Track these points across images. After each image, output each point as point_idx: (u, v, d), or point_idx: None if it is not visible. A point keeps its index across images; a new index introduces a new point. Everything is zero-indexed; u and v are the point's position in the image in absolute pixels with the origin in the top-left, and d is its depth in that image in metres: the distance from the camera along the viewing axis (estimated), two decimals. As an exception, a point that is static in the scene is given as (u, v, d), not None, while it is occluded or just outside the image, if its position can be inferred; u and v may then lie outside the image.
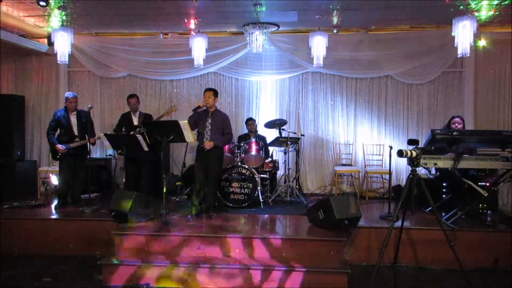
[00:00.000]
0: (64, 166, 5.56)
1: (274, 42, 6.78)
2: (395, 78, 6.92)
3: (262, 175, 5.95)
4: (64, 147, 5.42)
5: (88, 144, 5.54)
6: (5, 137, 6.64)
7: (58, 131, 5.61)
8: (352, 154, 7.00)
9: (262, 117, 6.98)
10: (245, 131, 6.94)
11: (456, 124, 5.27)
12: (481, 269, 4.28)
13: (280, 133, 6.28)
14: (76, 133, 5.57)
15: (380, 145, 6.91)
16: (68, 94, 5.66)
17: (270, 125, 6.37)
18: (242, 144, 5.98)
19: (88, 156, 5.56)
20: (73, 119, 5.60)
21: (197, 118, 5.04)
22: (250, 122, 6.62)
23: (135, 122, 5.92)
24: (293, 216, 5.18)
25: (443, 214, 4.80)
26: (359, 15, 6.07)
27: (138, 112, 6.03)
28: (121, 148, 5.39)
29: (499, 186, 4.77)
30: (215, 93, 5.13)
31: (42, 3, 4.99)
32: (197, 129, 5.06)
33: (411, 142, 4.43)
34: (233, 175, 5.65)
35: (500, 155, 4.44)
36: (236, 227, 4.75)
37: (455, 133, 4.50)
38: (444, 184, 5.40)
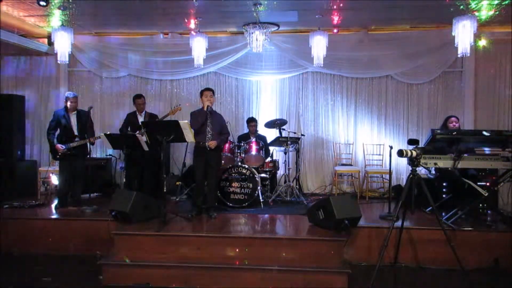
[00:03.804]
0: (64, 166, 5.54)
1: (274, 42, 6.78)
2: (395, 78, 6.93)
3: (262, 175, 5.96)
4: (64, 147, 5.42)
5: (88, 144, 5.55)
6: (5, 137, 6.63)
7: (58, 131, 5.59)
8: (352, 154, 7.00)
9: (262, 117, 6.98)
10: (245, 130, 6.94)
11: (454, 123, 5.29)
12: (481, 269, 4.28)
13: (280, 133, 6.28)
14: (76, 133, 5.54)
15: (380, 145, 6.91)
16: (69, 94, 5.64)
17: (270, 125, 6.37)
18: (242, 144, 5.97)
19: (88, 156, 5.56)
20: (73, 119, 5.57)
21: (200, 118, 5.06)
22: (253, 123, 6.60)
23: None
24: (293, 216, 5.18)
25: (443, 214, 4.80)
26: (359, 15, 6.07)
27: (144, 112, 6.05)
28: (122, 148, 5.40)
29: (499, 186, 4.77)
30: (214, 92, 5.19)
31: (42, 3, 5.00)
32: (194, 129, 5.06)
33: (411, 142, 4.44)
34: (233, 175, 5.65)
35: (500, 155, 4.44)
36: (236, 227, 4.75)
37: (455, 133, 4.50)
38: (444, 184, 5.40)
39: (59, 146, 5.39)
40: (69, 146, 5.43)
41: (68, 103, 5.53)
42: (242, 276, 4.00)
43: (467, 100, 6.72)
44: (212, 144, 4.95)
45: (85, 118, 5.60)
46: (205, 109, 4.98)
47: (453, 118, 5.38)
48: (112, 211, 4.63)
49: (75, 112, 5.60)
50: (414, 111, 6.95)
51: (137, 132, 5.64)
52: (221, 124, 5.19)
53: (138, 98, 6.08)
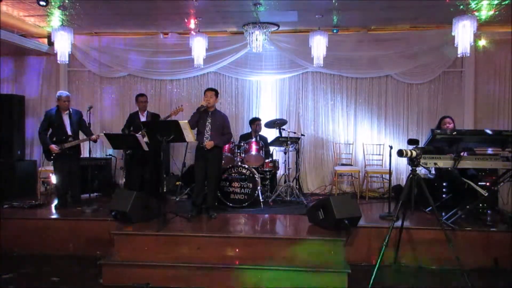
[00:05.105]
0: (59, 167, 5.48)
1: (274, 42, 6.78)
2: (395, 78, 6.93)
3: (262, 175, 5.95)
4: (58, 147, 5.37)
5: (80, 144, 5.55)
6: (5, 137, 6.64)
7: (50, 131, 5.50)
8: (352, 154, 7.00)
9: (262, 117, 6.96)
10: (245, 130, 6.94)
11: (447, 125, 5.28)
12: (481, 269, 4.28)
13: (280, 133, 6.28)
14: (69, 132, 5.49)
15: (380, 145, 6.91)
16: (62, 93, 5.58)
17: (270, 125, 6.37)
18: (242, 144, 5.97)
19: (81, 156, 5.57)
20: (66, 118, 5.51)
21: (198, 118, 5.06)
22: (257, 122, 6.59)
23: None
24: (293, 216, 5.18)
25: (443, 214, 4.80)
26: (359, 15, 6.07)
27: (146, 112, 6.05)
28: (122, 147, 5.40)
29: (499, 185, 4.77)
30: (216, 93, 5.16)
31: (42, 3, 5.00)
32: (196, 129, 5.07)
33: (411, 141, 4.44)
34: (233, 175, 5.65)
35: (500, 155, 4.44)
36: (236, 227, 4.76)
37: (455, 133, 4.49)
38: (444, 184, 5.40)
39: (53, 146, 5.34)
40: (63, 147, 5.38)
41: (61, 103, 5.47)
42: (242, 276, 4.00)
43: (467, 100, 6.72)
44: (208, 144, 4.94)
45: (77, 118, 5.58)
46: (199, 108, 4.98)
47: (447, 119, 5.36)
48: (112, 211, 4.63)
49: (67, 112, 5.54)
50: (414, 111, 6.95)
51: (139, 132, 5.61)
52: (223, 124, 5.16)
53: (140, 97, 6.10)
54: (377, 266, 3.70)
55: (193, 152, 5.54)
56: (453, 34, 5.22)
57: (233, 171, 5.66)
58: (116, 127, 7.14)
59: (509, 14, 5.54)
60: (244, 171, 5.64)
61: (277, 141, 6.14)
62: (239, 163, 5.82)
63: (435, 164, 4.39)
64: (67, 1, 5.34)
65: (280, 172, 6.67)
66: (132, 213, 4.52)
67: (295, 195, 6.08)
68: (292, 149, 6.32)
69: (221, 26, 6.71)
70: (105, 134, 5.26)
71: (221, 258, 4.16)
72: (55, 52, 5.89)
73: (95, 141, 5.63)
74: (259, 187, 5.62)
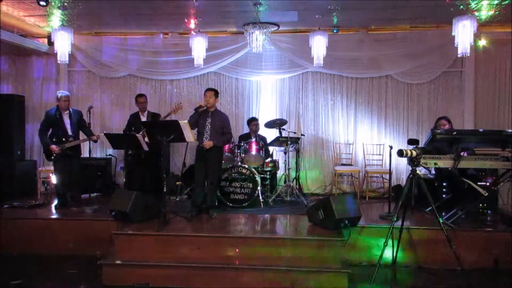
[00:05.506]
0: (59, 167, 5.45)
1: (274, 42, 6.78)
2: (395, 78, 6.92)
3: (262, 175, 5.95)
4: (58, 148, 5.35)
5: (81, 144, 5.54)
6: (5, 137, 6.63)
7: (50, 131, 5.47)
8: (352, 154, 7.00)
9: (262, 117, 6.96)
10: (245, 130, 6.93)
11: (443, 126, 5.27)
12: (481, 269, 4.28)
13: (280, 133, 6.27)
14: (70, 132, 5.46)
15: (380, 145, 6.91)
16: (61, 92, 5.55)
17: (270, 125, 6.37)
18: (242, 144, 5.97)
19: (81, 156, 5.57)
20: (66, 118, 5.48)
21: (198, 118, 5.06)
22: (254, 122, 6.59)
23: None
24: (293, 216, 5.18)
25: (443, 214, 4.79)
26: (359, 15, 6.07)
27: (146, 112, 6.06)
28: (122, 147, 5.39)
29: (499, 185, 4.77)
30: (216, 93, 5.15)
31: (42, 3, 4.99)
32: (196, 129, 5.07)
33: (411, 141, 4.44)
34: (233, 175, 5.65)
35: (500, 155, 4.44)
36: (236, 227, 4.75)
37: (455, 133, 4.50)
38: (444, 184, 5.39)
39: (53, 146, 5.31)
40: (64, 147, 5.36)
41: (61, 103, 5.43)
42: (242, 276, 4.00)
43: (467, 100, 6.72)
44: (207, 144, 4.94)
45: (77, 118, 5.57)
46: (197, 108, 4.97)
47: (443, 120, 5.35)
48: (112, 211, 4.64)
49: (67, 111, 5.52)
50: (414, 111, 6.95)
51: (140, 132, 5.60)
52: (222, 124, 5.15)
53: (139, 97, 6.11)
54: (377, 266, 3.71)
55: (193, 152, 5.52)
56: (453, 34, 5.22)
57: (233, 171, 5.66)
58: (116, 127, 7.14)
59: (509, 14, 5.54)
60: (244, 171, 5.64)
61: (277, 141, 6.14)
62: (239, 163, 5.82)
63: (435, 164, 4.39)
64: (67, 1, 5.34)
65: (280, 172, 6.67)
66: (132, 213, 4.52)
67: (295, 195, 6.08)
68: (292, 149, 6.32)
69: (221, 26, 6.71)
70: (105, 134, 5.26)
71: (221, 258, 4.15)
72: (55, 52, 5.89)
73: (95, 141, 5.63)
74: (259, 187, 5.62)
